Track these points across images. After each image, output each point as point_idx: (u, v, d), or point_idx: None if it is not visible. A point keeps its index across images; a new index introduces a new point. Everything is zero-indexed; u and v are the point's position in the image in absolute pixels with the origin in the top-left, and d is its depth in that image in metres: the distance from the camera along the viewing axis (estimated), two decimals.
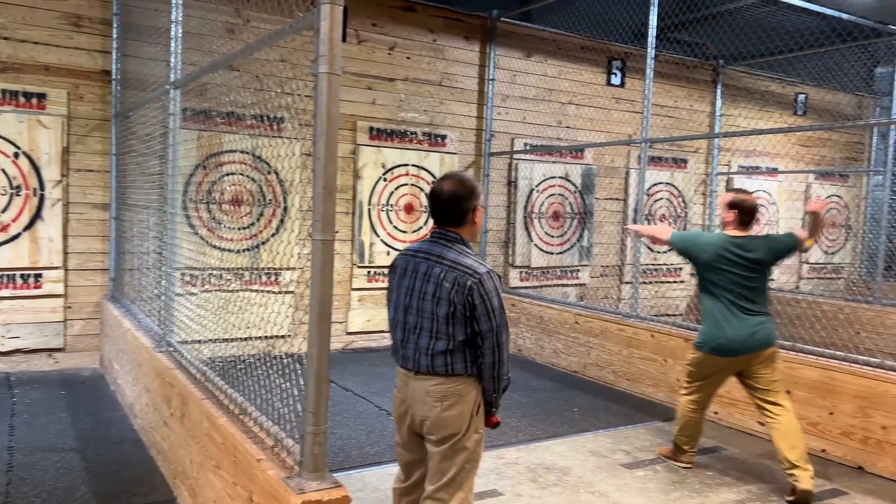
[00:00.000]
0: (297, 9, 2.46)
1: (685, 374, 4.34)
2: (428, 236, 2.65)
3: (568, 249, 8.83)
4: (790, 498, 3.85)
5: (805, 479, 3.79)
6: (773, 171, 10.21)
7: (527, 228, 8.41)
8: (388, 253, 7.40)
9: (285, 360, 2.90)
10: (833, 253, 11.04)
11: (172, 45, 4.09)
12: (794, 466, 3.83)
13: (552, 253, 8.68)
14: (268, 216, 6.75)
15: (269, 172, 6.71)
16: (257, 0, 4.70)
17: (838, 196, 11.04)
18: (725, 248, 4.00)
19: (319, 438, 2.26)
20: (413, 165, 7.53)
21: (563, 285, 8.83)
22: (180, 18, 4.10)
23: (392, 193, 7.42)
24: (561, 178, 8.65)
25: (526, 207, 8.40)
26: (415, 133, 7.55)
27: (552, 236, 8.66)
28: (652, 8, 6.23)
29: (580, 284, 8.97)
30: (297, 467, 2.32)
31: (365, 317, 7.35)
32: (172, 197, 4.20)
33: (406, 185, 7.51)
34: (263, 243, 6.75)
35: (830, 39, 7.83)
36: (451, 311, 2.46)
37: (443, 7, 7.65)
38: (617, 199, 9.21)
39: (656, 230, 4.61)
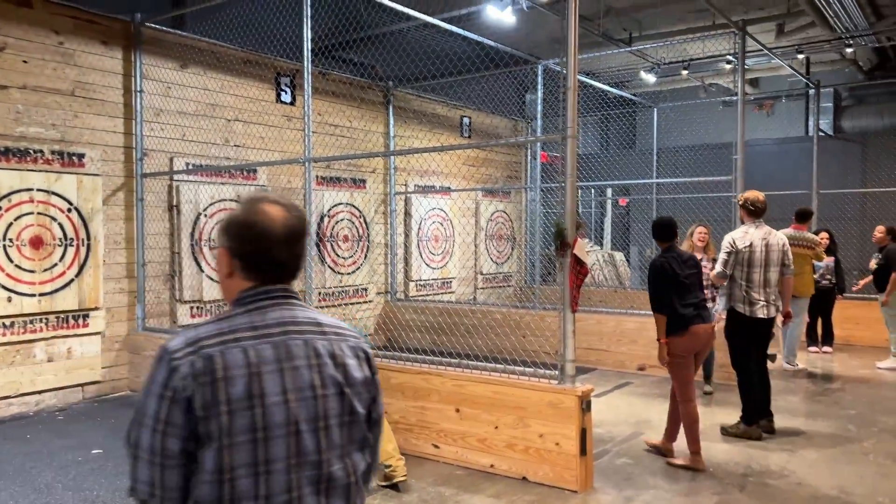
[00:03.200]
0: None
1: None
2: (250, 306, 1.50)
3: None
4: (383, 483, 4.29)
5: (402, 468, 4.32)
6: (446, 190, 10.70)
7: (195, 258, 7.54)
8: (10, 299, 6.00)
9: None
10: (502, 263, 11.97)
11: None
12: (391, 458, 4.29)
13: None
14: None
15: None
16: None
17: (503, 211, 12.01)
18: None
19: None
20: (40, 190, 6.24)
21: None
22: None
23: (11, 225, 6.05)
24: (233, 200, 7.95)
25: (193, 234, 7.54)
26: (41, 151, 6.27)
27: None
28: (305, 21, 5.92)
29: None
30: None
31: None
32: None
33: (31, 214, 6.18)
34: None
35: (482, 65, 8.35)
36: (370, 400, 1.58)
37: (70, 5, 6.50)
38: None
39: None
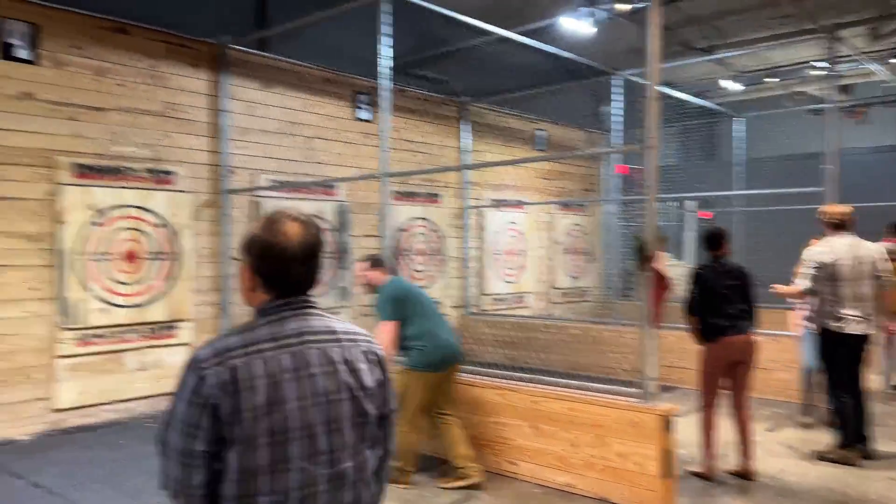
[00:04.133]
0: None
1: None
2: (272, 317, 1.62)
3: (325, 292, 8.31)
4: (459, 484, 4.52)
5: (477, 471, 4.56)
6: (520, 204, 10.64)
7: None
8: (106, 310, 6.31)
9: None
10: (579, 277, 11.77)
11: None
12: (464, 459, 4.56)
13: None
14: None
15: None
16: None
17: (580, 225, 11.83)
18: None
19: None
20: (134, 206, 6.56)
21: None
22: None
23: (108, 240, 6.38)
24: (313, 215, 8.13)
25: None
26: (134, 170, 6.60)
27: None
28: (383, 38, 6.02)
29: None
30: None
31: (78, 389, 6.17)
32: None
33: (125, 229, 6.50)
34: None
35: (558, 77, 8.29)
36: (381, 401, 1.69)
37: (162, 31, 6.84)
38: (374, 235, 8.90)
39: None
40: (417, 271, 9.36)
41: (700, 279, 4.84)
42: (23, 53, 5.94)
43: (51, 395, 6.03)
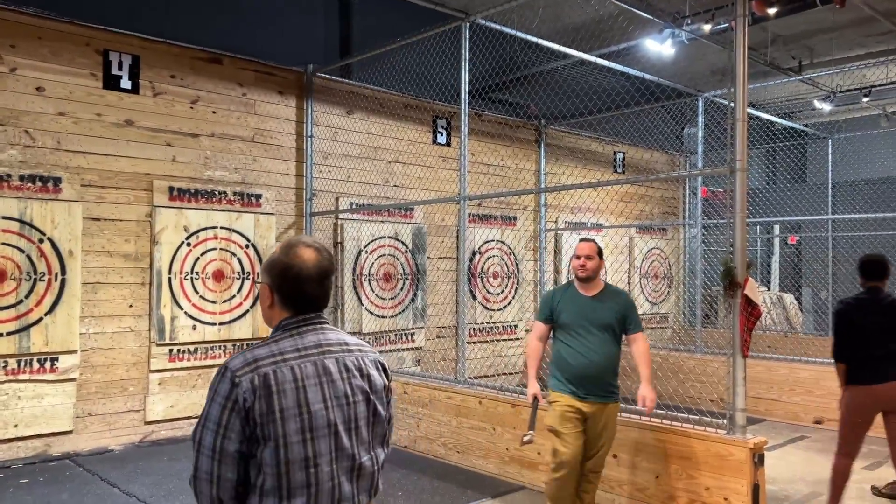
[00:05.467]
0: None
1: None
2: (293, 331, 1.83)
3: (401, 312, 8.41)
4: None
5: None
6: (597, 227, 10.50)
7: (356, 292, 7.91)
8: (195, 327, 6.58)
9: None
10: (658, 303, 11.48)
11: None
12: None
13: (384, 316, 8.22)
14: (40, 292, 5.76)
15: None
16: None
17: (659, 248, 11.56)
18: None
19: None
20: (223, 228, 6.84)
21: (398, 350, 8.38)
22: None
23: (198, 260, 6.67)
24: (391, 237, 8.29)
25: (354, 270, 7.92)
26: (224, 193, 6.89)
27: (384, 299, 8.22)
28: (464, 64, 6.11)
29: (416, 348, 8.56)
30: None
31: (168, 402, 6.44)
32: None
33: (214, 249, 6.78)
34: (35, 323, 5.73)
35: (637, 99, 8.18)
36: (387, 401, 1.95)
37: (253, 60, 7.16)
38: (449, 257, 8.98)
39: None
40: (492, 294, 9.34)
41: (837, 316, 4.34)
42: (125, 84, 6.33)
43: (143, 408, 6.31)
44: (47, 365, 5.78)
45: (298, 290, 1.82)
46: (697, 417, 4.34)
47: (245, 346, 6.93)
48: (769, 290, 12.42)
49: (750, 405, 4.73)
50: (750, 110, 9.94)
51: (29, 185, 5.75)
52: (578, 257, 4.03)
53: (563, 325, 4.04)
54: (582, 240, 4.12)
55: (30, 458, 5.67)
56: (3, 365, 5.58)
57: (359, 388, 1.82)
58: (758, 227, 12.67)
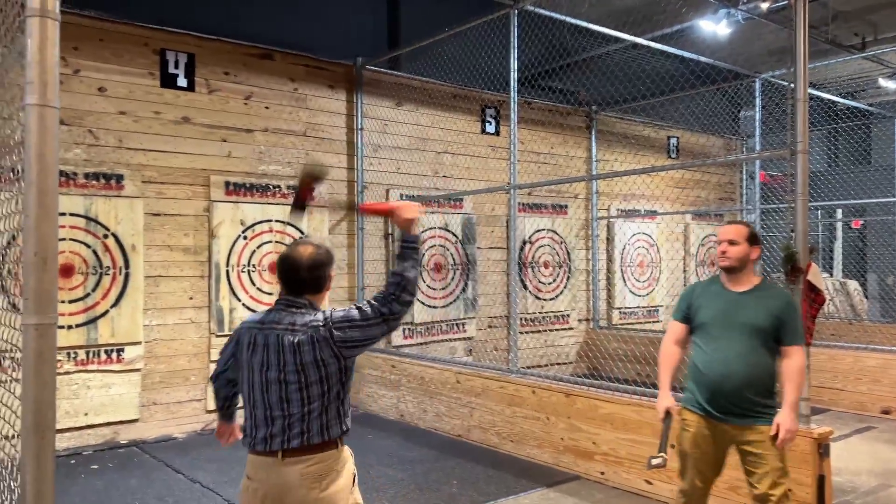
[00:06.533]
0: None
1: None
2: (274, 305, 2.48)
3: (452, 302, 8.44)
4: None
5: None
6: (651, 214, 10.31)
7: None
8: None
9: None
10: None
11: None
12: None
13: (436, 307, 8.26)
14: (105, 286, 5.99)
15: (107, 236, 5.98)
16: None
17: (715, 235, 11.29)
18: None
19: None
20: (277, 221, 6.97)
21: (449, 340, 8.42)
22: None
23: (254, 253, 6.81)
24: (441, 228, 8.32)
25: None
26: (278, 187, 7.02)
27: (435, 289, 8.26)
28: (513, 51, 6.06)
29: (468, 338, 8.58)
30: None
31: None
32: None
33: (269, 242, 6.92)
34: (102, 315, 5.96)
35: (691, 82, 7.99)
36: (324, 372, 2.33)
37: (303, 55, 7.25)
38: (500, 247, 8.96)
39: None
40: (544, 283, 9.28)
41: None
42: (182, 82, 6.49)
43: (204, 397, 6.50)
44: (114, 356, 6.00)
45: (285, 275, 2.45)
46: None
47: None
48: (832, 276, 12.00)
49: (814, 395, 4.60)
50: (811, 90, 9.60)
51: (93, 182, 5.96)
52: (720, 242, 3.30)
53: (701, 325, 3.33)
54: (728, 222, 3.63)
55: (99, 445, 5.91)
56: (73, 356, 5.82)
57: (290, 360, 2.32)
58: (819, 211, 12.25)
